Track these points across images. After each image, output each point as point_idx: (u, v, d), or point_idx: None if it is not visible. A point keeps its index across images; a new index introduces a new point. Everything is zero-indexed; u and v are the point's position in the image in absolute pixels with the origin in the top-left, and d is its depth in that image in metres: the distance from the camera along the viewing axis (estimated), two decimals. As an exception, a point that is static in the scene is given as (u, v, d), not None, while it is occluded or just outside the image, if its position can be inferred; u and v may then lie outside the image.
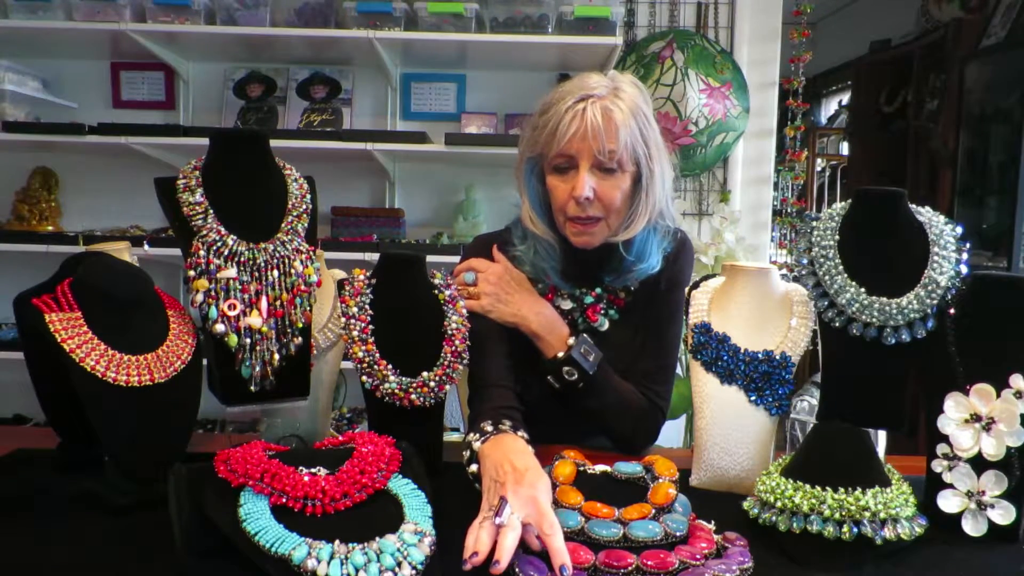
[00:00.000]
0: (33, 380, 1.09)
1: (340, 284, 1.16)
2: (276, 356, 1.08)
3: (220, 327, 1.04)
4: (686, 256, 1.38)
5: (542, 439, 1.13)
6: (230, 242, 1.06)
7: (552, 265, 1.32)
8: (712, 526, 0.92)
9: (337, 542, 0.78)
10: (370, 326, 1.12)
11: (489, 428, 1.08)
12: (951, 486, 0.97)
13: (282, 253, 1.10)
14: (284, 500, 0.82)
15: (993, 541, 0.94)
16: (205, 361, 1.12)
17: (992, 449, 0.95)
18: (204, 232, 1.06)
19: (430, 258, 1.27)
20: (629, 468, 0.97)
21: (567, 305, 1.34)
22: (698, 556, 0.84)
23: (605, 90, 1.23)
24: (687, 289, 1.29)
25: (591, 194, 1.21)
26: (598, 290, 1.34)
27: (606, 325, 1.35)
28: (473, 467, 1.03)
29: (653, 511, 0.89)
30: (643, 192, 1.26)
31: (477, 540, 0.82)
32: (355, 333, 1.11)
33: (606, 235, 1.28)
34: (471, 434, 1.09)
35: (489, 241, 1.40)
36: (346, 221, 2.68)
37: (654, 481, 0.94)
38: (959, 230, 1.09)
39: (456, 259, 1.49)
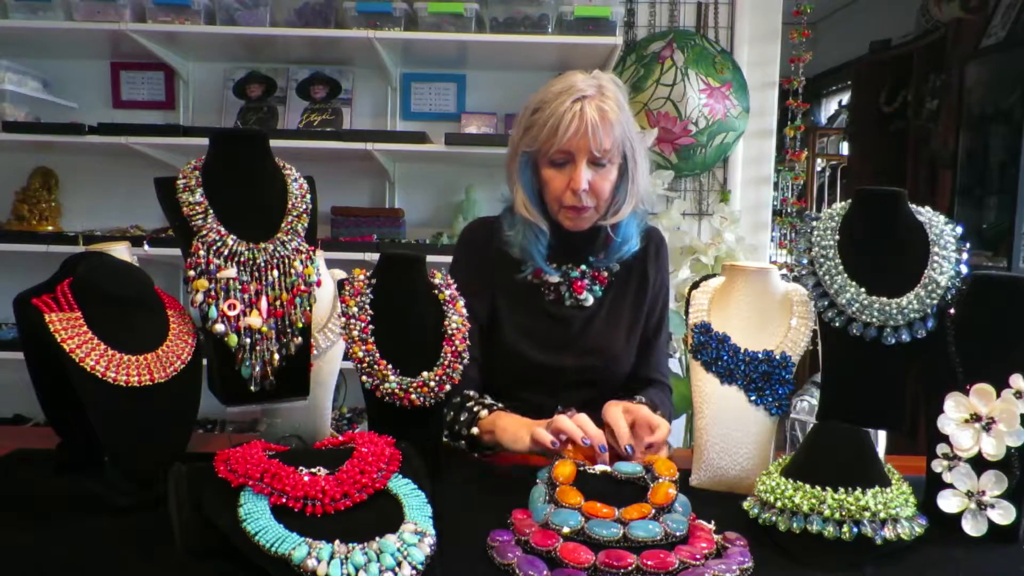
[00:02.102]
0: (33, 380, 1.09)
1: (340, 284, 1.16)
2: (276, 356, 1.08)
3: (220, 327, 1.04)
4: (666, 247, 1.57)
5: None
6: (230, 242, 1.06)
7: (539, 250, 1.42)
8: (712, 526, 0.91)
9: (337, 542, 0.78)
10: (370, 326, 1.11)
11: (487, 402, 1.31)
12: (951, 486, 0.97)
13: (282, 253, 1.10)
14: (284, 500, 0.82)
15: (993, 541, 0.94)
16: (205, 361, 1.12)
17: (992, 449, 0.95)
18: (204, 232, 1.06)
19: (430, 258, 1.27)
20: (629, 468, 0.97)
21: (555, 279, 1.44)
22: (698, 556, 0.84)
23: (593, 89, 1.33)
24: (687, 289, 1.29)
25: (587, 183, 1.33)
26: (583, 267, 1.46)
27: (591, 300, 1.45)
28: (475, 430, 1.24)
29: (653, 511, 0.89)
30: (630, 181, 1.40)
31: (571, 428, 1.10)
32: (355, 333, 1.11)
33: (595, 220, 1.41)
34: (467, 404, 1.30)
35: (487, 223, 1.53)
36: (346, 221, 2.68)
37: (654, 481, 0.94)
38: (959, 230, 1.09)
39: (456, 259, 1.52)
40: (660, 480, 0.93)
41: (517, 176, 1.41)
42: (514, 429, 1.20)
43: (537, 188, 1.40)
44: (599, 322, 1.45)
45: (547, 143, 1.33)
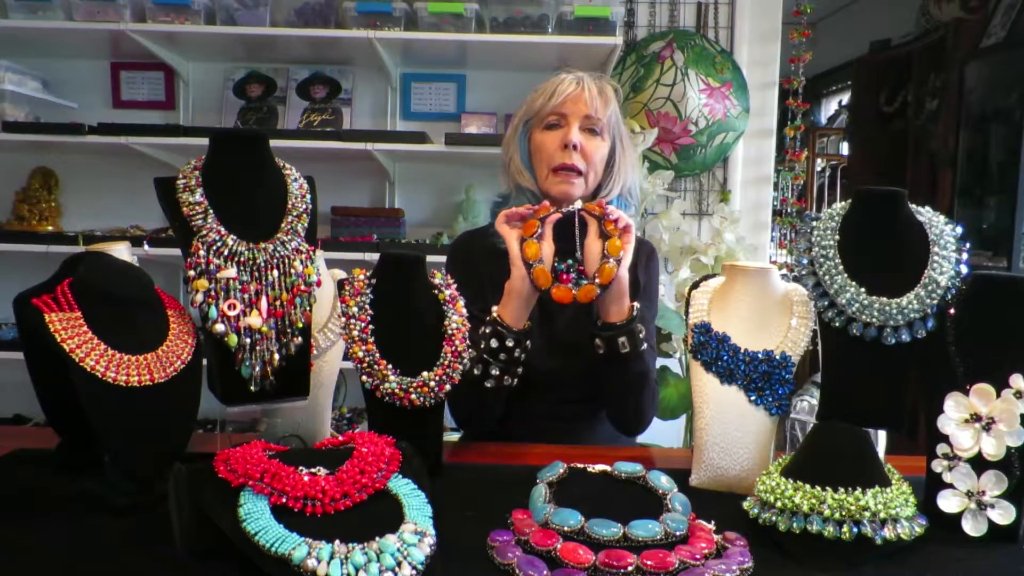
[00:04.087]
0: (33, 380, 1.09)
1: (340, 284, 1.16)
2: (276, 356, 1.08)
3: (220, 327, 1.04)
4: (657, 256, 1.59)
5: (553, 414, 1.33)
6: (230, 242, 1.06)
7: None
8: (712, 526, 0.91)
9: (337, 542, 0.78)
10: (370, 326, 1.11)
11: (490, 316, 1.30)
12: (951, 486, 0.97)
13: (282, 253, 1.09)
14: (284, 500, 0.82)
15: (993, 541, 0.94)
16: (205, 361, 1.12)
17: (992, 449, 0.95)
18: (204, 232, 1.06)
19: (430, 258, 1.27)
20: (629, 468, 0.97)
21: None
22: (698, 556, 0.84)
23: (591, 75, 1.45)
24: (687, 289, 1.29)
25: (579, 142, 1.39)
26: (569, 260, 1.44)
27: None
28: (494, 311, 1.29)
29: (599, 290, 1.18)
30: (616, 166, 1.46)
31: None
32: (355, 333, 1.11)
33: (583, 191, 1.43)
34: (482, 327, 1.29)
35: (473, 236, 1.55)
36: (346, 221, 2.68)
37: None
38: (959, 230, 1.09)
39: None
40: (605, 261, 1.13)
41: (515, 146, 1.48)
42: (505, 289, 1.26)
43: (531, 159, 1.46)
44: (582, 319, 1.43)
45: (544, 105, 1.42)
